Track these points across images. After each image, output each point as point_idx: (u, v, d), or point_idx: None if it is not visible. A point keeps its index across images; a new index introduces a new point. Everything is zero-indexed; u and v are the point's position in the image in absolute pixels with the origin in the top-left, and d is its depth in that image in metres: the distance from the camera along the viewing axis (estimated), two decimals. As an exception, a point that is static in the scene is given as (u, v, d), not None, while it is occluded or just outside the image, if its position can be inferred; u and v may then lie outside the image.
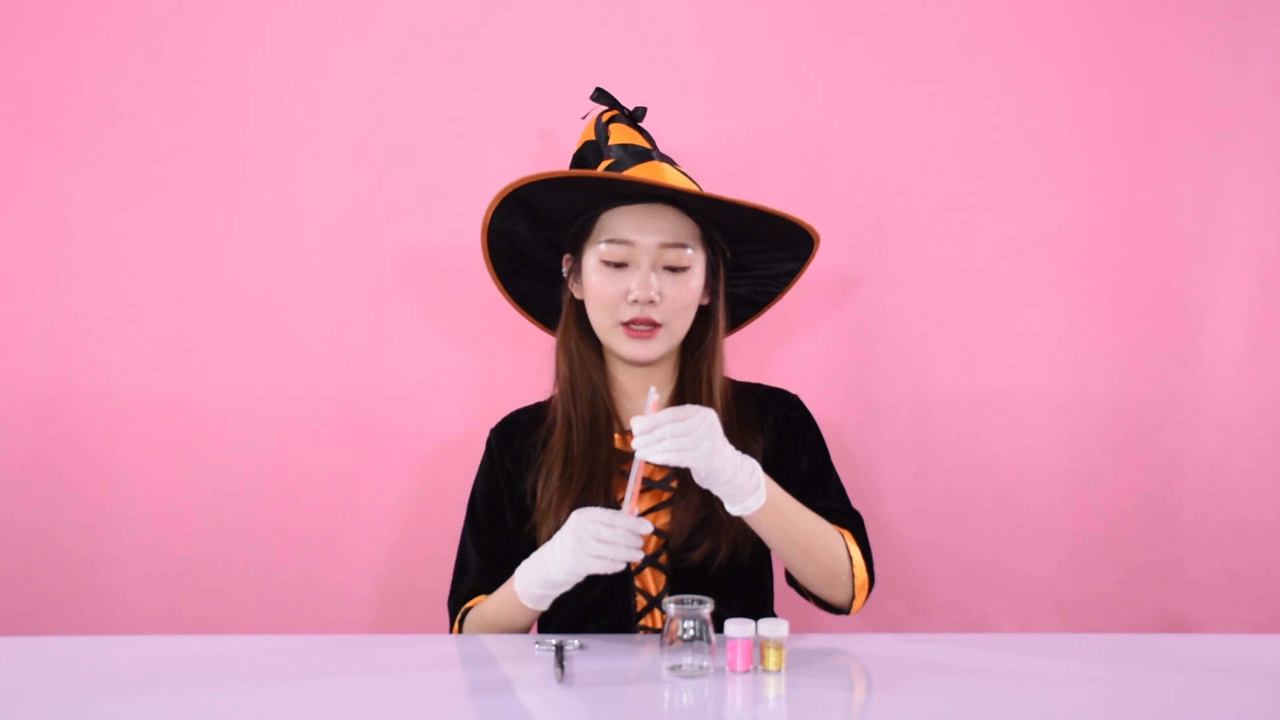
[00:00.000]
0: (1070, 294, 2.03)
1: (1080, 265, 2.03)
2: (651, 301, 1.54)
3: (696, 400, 1.60)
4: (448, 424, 2.02)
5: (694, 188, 1.58)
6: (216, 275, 2.02)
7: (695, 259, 1.57)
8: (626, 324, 1.55)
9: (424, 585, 2.02)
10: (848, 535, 1.54)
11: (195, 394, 2.01)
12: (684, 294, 1.56)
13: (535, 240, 1.65)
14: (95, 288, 2.02)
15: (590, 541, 1.38)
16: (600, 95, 1.70)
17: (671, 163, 1.61)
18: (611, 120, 1.67)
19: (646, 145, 1.63)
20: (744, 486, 1.41)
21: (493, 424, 1.70)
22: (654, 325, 1.55)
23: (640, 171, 1.55)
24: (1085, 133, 2.02)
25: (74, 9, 2.01)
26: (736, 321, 1.77)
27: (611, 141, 1.63)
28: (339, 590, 2.03)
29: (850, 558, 1.51)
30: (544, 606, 1.49)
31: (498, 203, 1.58)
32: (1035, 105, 2.02)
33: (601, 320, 1.58)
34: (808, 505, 1.51)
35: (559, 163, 1.72)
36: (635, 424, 1.37)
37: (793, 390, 1.70)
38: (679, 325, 1.58)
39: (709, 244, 1.61)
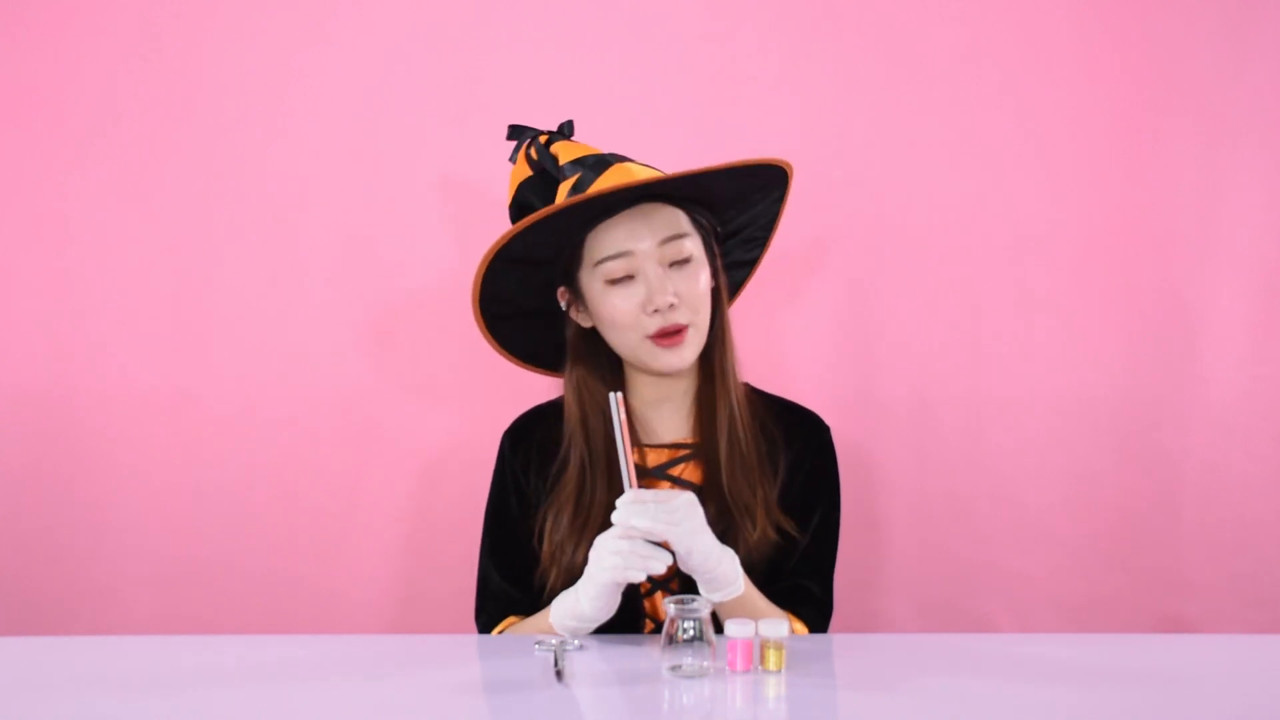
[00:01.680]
0: (1070, 294, 2.03)
1: (1080, 265, 2.03)
2: (672, 305, 1.49)
3: (710, 387, 1.57)
4: (449, 424, 2.02)
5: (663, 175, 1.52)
6: (217, 275, 2.02)
7: (695, 246, 1.53)
8: (653, 336, 1.50)
9: (425, 585, 2.02)
10: (800, 630, 1.54)
11: (195, 393, 2.02)
12: (696, 285, 1.52)
13: (527, 289, 1.58)
14: (95, 287, 2.02)
15: (605, 555, 1.38)
16: (516, 131, 1.61)
17: (627, 160, 1.55)
18: (549, 142, 1.58)
19: (598, 152, 1.56)
20: (725, 576, 1.43)
21: (495, 423, 1.68)
22: (681, 328, 1.50)
23: (609, 179, 1.49)
24: (1085, 133, 2.02)
25: (74, 9, 2.01)
26: (735, 287, 1.73)
27: (563, 161, 1.55)
28: (339, 590, 2.03)
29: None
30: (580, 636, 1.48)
31: (483, 270, 1.51)
32: (1035, 105, 2.02)
33: (625, 340, 1.53)
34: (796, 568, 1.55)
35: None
36: (621, 500, 1.38)
37: (793, 389, 1.70)
38: (702, 319, 1.53)
39: (700, 226, 1.56)
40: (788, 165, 1.59)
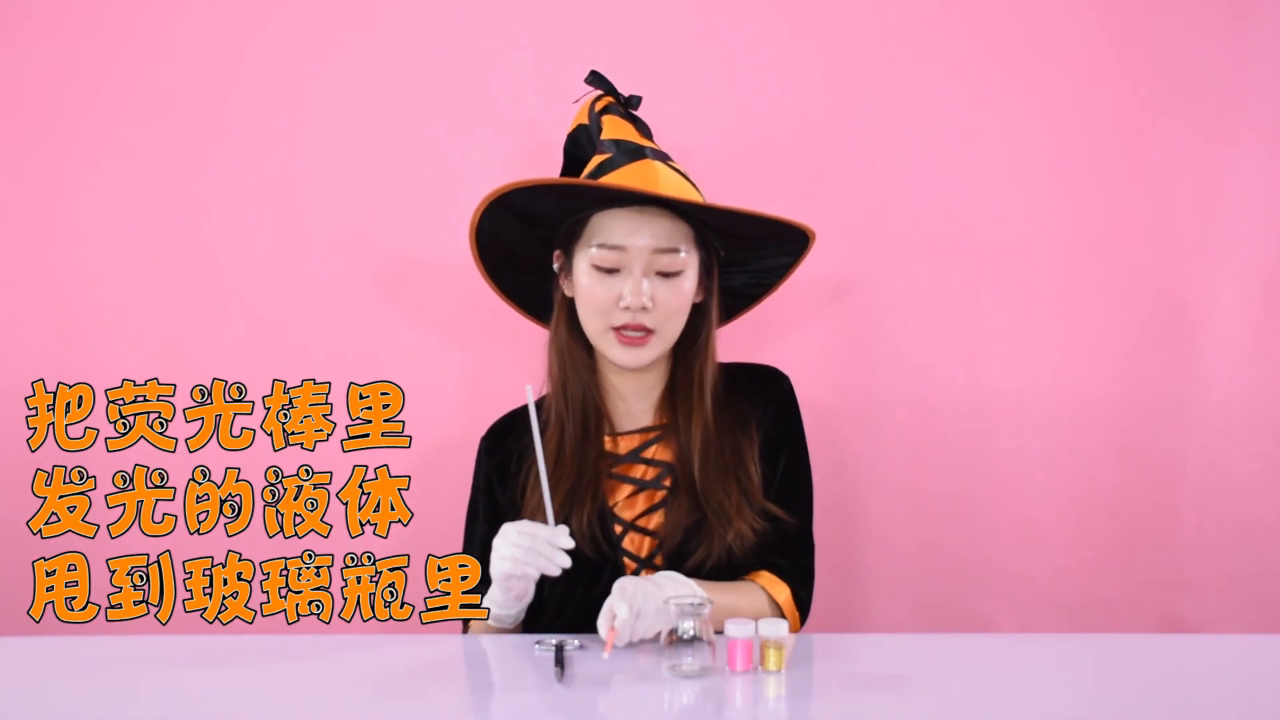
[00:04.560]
0: (1070, 294, 2.03)
1: (1080, 265, 2.03)
2: (644, 308, 1.52)
3: (688, 399, 1.60)
4: (445, 422, 2.02)
5: (688, 187, 1.56)
6: (215, 276, 2.02)
7: (688, 262, 1.55)
8: (618, 329, 1.54)
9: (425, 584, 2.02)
10: (781, 594, 1.55)
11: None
12: (676, 299, 1.55)
13: (526, 238, 1.62)
14: (94, 288, 2.02)
15: (505, 547, 1.42)
16: (595, 79, 1.66)
17: (665, 159, 1.58)
18: (605, 110, 1.63)
19: (639, 141, 1.59)
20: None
21: (488, 423, 1.70)
22: (646, 331, 1.54)
23: (632, 171, 1.53)
24: (1085, 133, 2.02)
25: (74, 9, 2.01)
26: (730, 314, 1.75)
27: (604, 135, 1.59)
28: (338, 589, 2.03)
29: (778, 608, 1.55)
30: (510, 625, 1.52)
31: (484, 207, 1.56)
32: (1035, 105, 2.02)
33: (593, 324, 1.57)
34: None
35: (557, 156, 1.72)
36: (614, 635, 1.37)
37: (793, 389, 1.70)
38: (671, 330, 1.57)
39: (702, 244, 1.59)
40: (811, 232, 1.62)
